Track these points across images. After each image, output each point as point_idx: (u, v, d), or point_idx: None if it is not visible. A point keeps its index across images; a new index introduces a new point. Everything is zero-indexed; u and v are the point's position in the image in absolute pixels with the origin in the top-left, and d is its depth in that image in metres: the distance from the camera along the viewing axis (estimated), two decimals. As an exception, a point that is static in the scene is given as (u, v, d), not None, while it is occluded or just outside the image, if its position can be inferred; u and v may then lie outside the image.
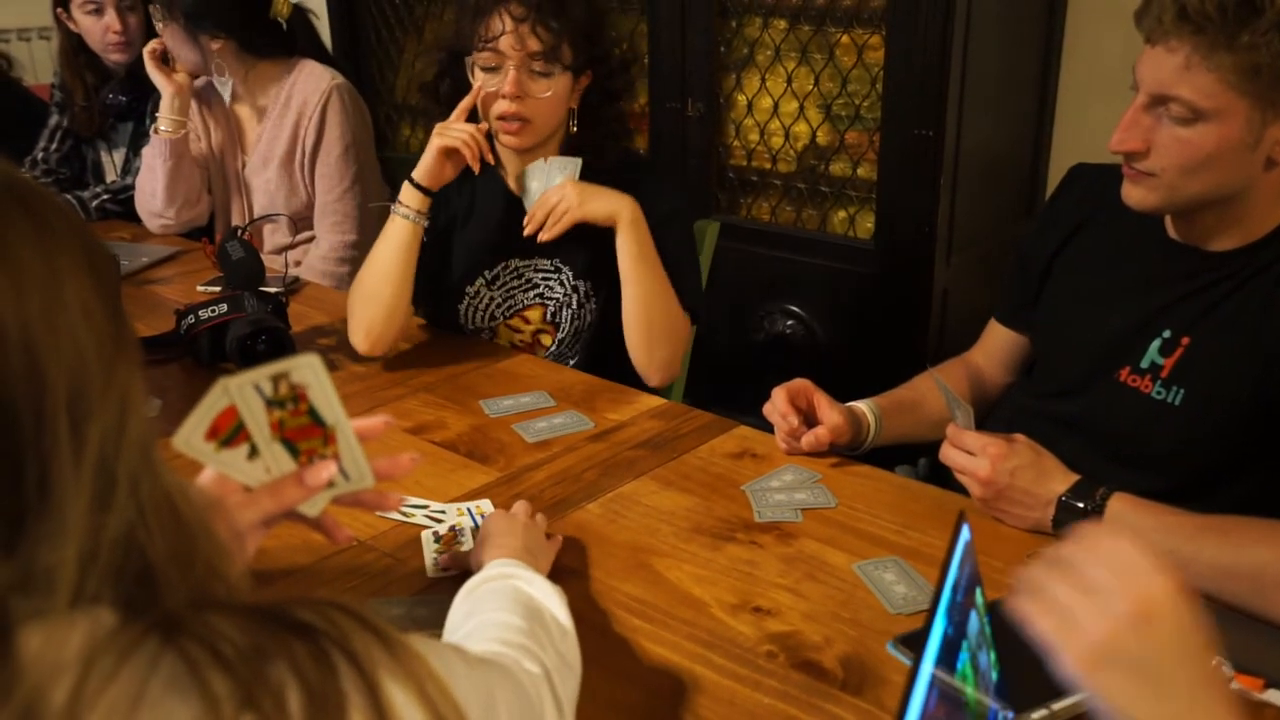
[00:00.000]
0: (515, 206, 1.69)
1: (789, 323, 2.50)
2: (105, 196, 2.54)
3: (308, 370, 0.67)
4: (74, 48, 2.51)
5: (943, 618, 0.78)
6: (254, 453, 0.69)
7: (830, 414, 1.41)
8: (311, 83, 2.22)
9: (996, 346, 1.60)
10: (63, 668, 0.49)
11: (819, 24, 2.30)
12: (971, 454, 1.26)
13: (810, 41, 2.32)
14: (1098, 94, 2.47)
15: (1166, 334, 1.30)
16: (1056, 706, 0.97)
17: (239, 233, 1.79)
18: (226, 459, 0.69)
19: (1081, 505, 1.19)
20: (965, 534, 0.88)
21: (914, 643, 1.06)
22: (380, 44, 3.17)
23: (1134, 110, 1.18)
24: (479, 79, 1.64)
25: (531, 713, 0.74)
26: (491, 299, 1.80)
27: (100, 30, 2.42)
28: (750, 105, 2.44)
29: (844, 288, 2.39)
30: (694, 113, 2.49)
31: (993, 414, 1.60)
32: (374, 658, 0.54)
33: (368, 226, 2.23)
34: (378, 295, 1.68)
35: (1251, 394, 1.23)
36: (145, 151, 2.32)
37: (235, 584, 0.58)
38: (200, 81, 2.31)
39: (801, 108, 2.37)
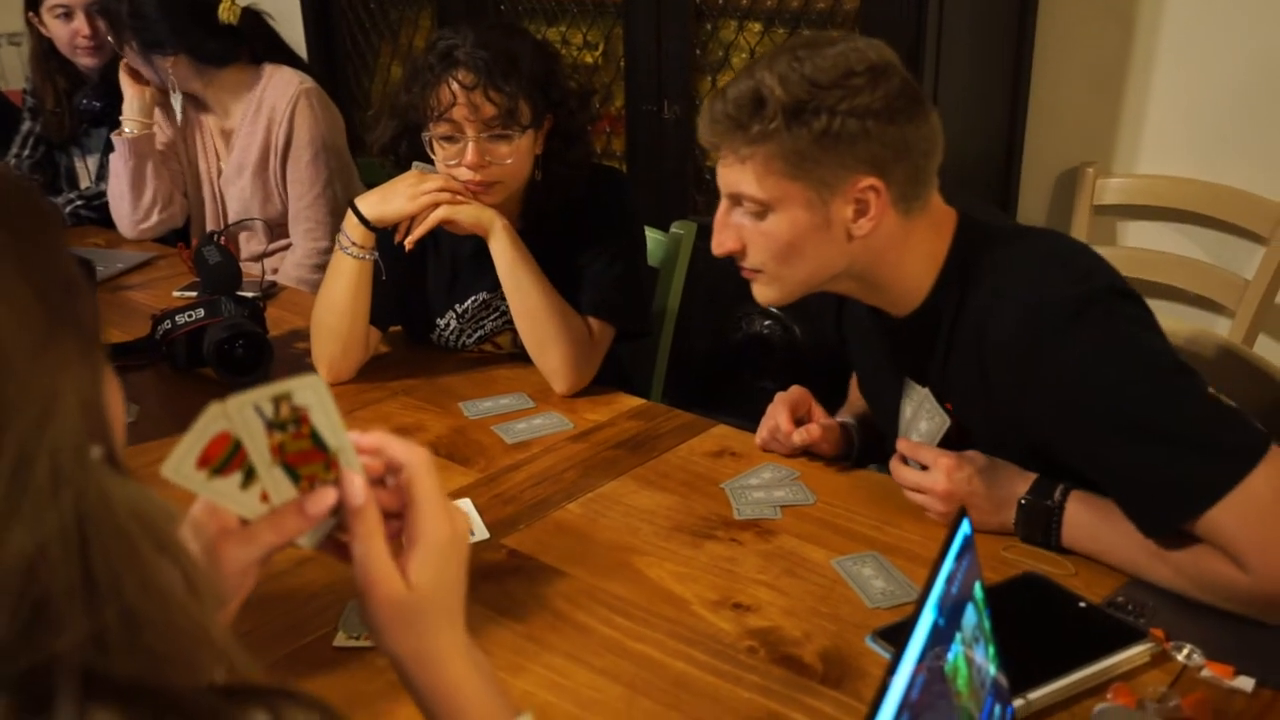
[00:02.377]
0: (484, 242, 1.65)
1: (766, 322, 2.51)
2: (79, 203, 2.53)
3: (310, 391, 0.64)
4: (45, 52, 2.50)
5: (934, 608, 0.79)
6: (249, 480, 0.65)
7: (825, 417, 1.45)
8: (280, 88, 2.20)
9: None
10: None
11: (793, 26, 2.32)
12: (924, 468, 1.27)
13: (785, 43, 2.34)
14: (1070, 95, 2.50)
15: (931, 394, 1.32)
16: (1055, 686, 0.98)
17: (215, 237, 1.78)
18: (220, 488, 0.65)
19: (1043, 502, 1.20)
20: (965, 528, 0.89)
21: (893, 636, 1.08)
22: (355, 48, 3.17)
23: (721, 213, 1.23)
24: (438, 152, 1.59)
25: None
26: (461, 329, 1.79)
27: (69, 34, 2.41)
28: (725, 107, 2.45)
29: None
30: (670, 115, 2.50)
31: None
32: None
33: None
34: (333, 330, 1.67)
35: (1030, 447, 1.23)
36: (110, 156, 2.31)
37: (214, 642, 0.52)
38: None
39: (776, 110, 2.38)
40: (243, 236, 2.33)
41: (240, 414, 0.63)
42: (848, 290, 1.28)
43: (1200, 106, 2.38)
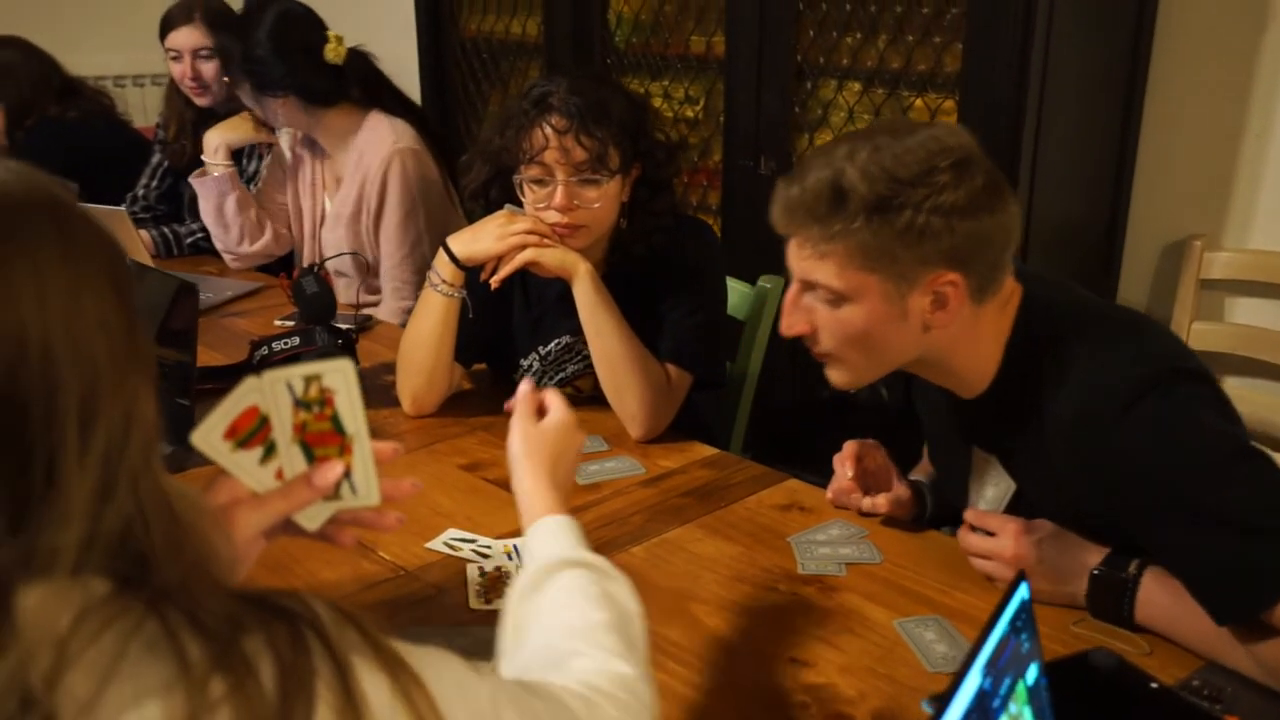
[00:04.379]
0: (567, 286, 1.67)
1: (853, 382, 2.48)
2: (200, 234, 2.65)
3: (339, 375, 0.68)
4: (173, 86, 2.66)
5: (980, 670, 0.77)
6: (268, 455, 0.70)
7: (898, 486, 1.42)
8: (376, 146, 2.28)
9: None
10: (53, 628, 0.53)
11: (893, 87, 2.32)
12: (992, 534, 1.24)
13: (884, 104, 2.34)
14: (1179, 165, 2.44)
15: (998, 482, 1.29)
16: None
17: (315, 269, 1.85)
18: (240, 460, 0.70)
19: (1118, 575, 1.16)
20: (1023, 591, 0.86)
21: (946, 699, 1.05)
22: (466, 96, 3.27)
23: (792, 294, 1.21)
24: (527, 194, 1.63)
25: None
26: (544, 371, 1.82)
27: (179, 74, 2.58)
28: (822, 165, 2.46)
29: (910, 349, 2.37)
30: (767, 171, 2.52)
31: None
32: (349, 642, 0.58)
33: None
34: (419, 364, 1.71)
35: (1093, 519, 1.20)
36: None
37: (223, 580, 0.62)
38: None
39: (873, 169, 2.38)
40: (341, 283, 2.41)
41: (273, 388, 0.67)
42: (918, 372, 1.28)
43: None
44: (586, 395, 1.82)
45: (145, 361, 0.61)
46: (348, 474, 0.72)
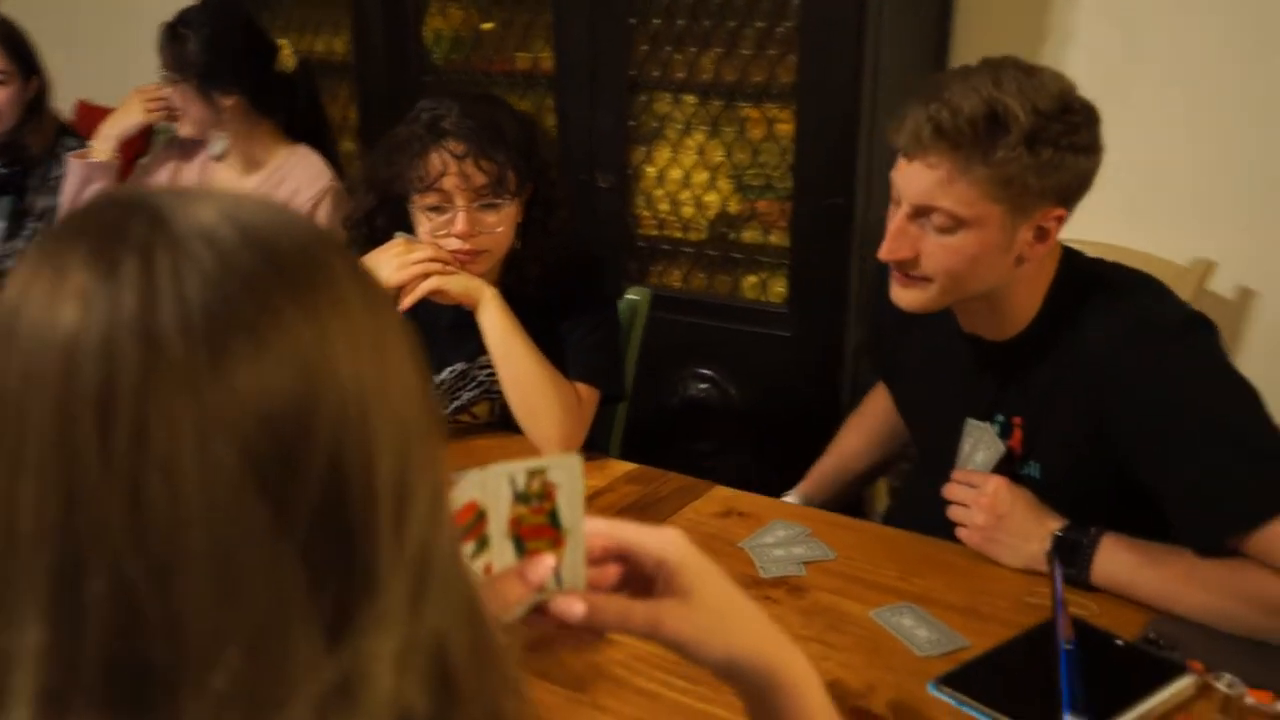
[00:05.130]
0: (461, 312, 1.64)
1: (703, 385, 2.55)
2: (7, 260, 2.41)
3: (564, 470, 0.64)
4: None
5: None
6: (480, 550, 0.65)
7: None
8: (309, 171, 2.21)
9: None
10: None
11: (729, 99, 2.40)
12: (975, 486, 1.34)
13: (721, 115, 2.41)
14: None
15: (1000, 418, 1.39)
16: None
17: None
18: None
19: (1077, 540, 1.27)
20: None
21: (955, 682, 1.11)
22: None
23: (900, 220, 1.26)
24: (423, 223, 1.59)
25: None
26: (439, 400, 1.77)
27: None
28: (661, 176, 2.51)
29: (757, 350, 2.46)
30: (604, 184, 2.54)
31: (896, 510, 1.69)
32: None
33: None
34: None
35: (1096, 464, 1.32)
36: (65, 179, 2.33)
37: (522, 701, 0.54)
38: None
39: (713, 178, 2.45)
40: None
41: (495, 482, 0.63)
42: (973, 309, 1.34)
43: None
44: (483, 422, 1.79)
45: (441, 431, 0.53)
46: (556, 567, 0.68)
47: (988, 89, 1.18)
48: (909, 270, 1.29)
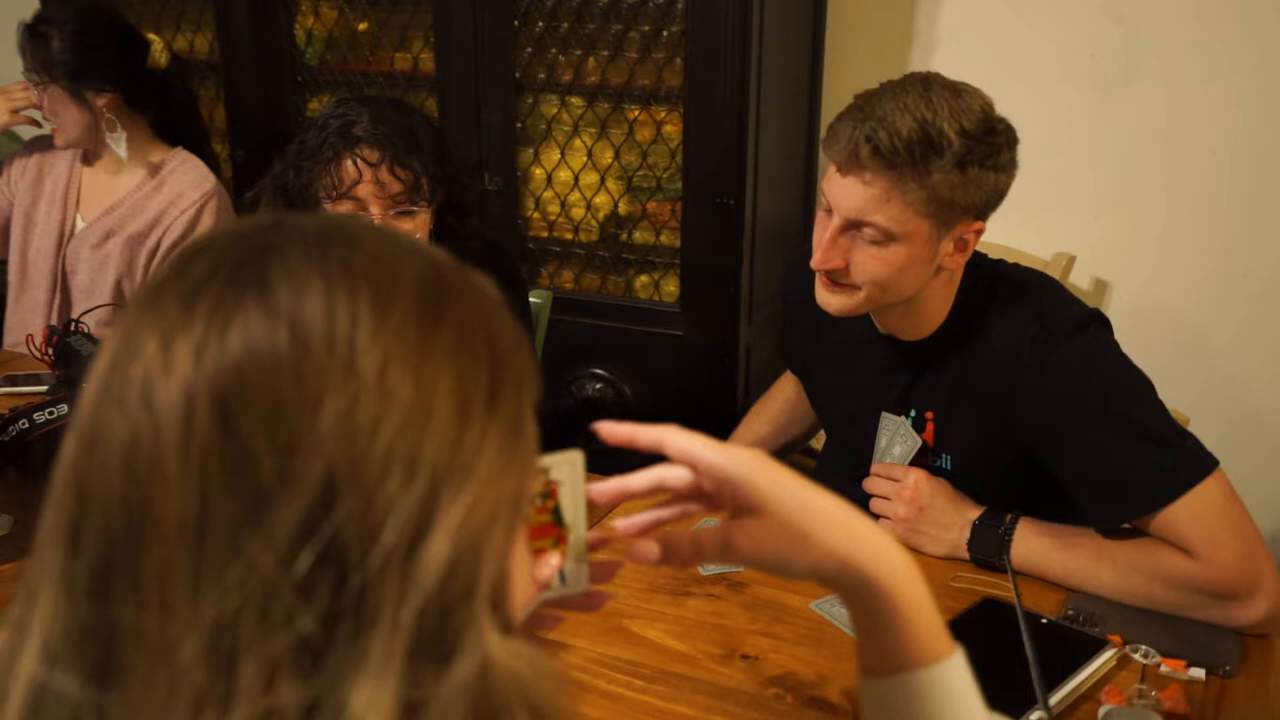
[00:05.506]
0: None
1: (598, 386, 2.57)
2: None
3: (568, 467, 0.64)
4: None
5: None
6: None
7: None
8: (188, 175, 2.11)
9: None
10: None
11: (616, 101, 2.42)
12: (896, 480, 1.40)
13: (609, 118, 2.43)
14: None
15: (914, 413, 1.47)
16: (1054, 700, 1.09)
17: (75, 325, 1.63)
18: None
19: (995, 527, 1.35)
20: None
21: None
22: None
23: (832, 232, 1.32)
24: None
25: None
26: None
27: None
28: (550, 178, 2.51)
29: (651, 349, 2.49)
30: (492, 186, 2.53)
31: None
32: None
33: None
34: None
35: (1004, 453, 1.41)
36: None
37: None
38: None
39: (602, 180, 2.47)
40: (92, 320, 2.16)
41: None
42: (890, 311, 1.40)
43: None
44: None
45: (521, 483, 0.54)
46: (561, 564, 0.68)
47: (921, 110, 1.24)
48: (838, 279, 1.34)
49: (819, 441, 2.10)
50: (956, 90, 1.28)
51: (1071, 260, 2.48)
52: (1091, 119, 2.48)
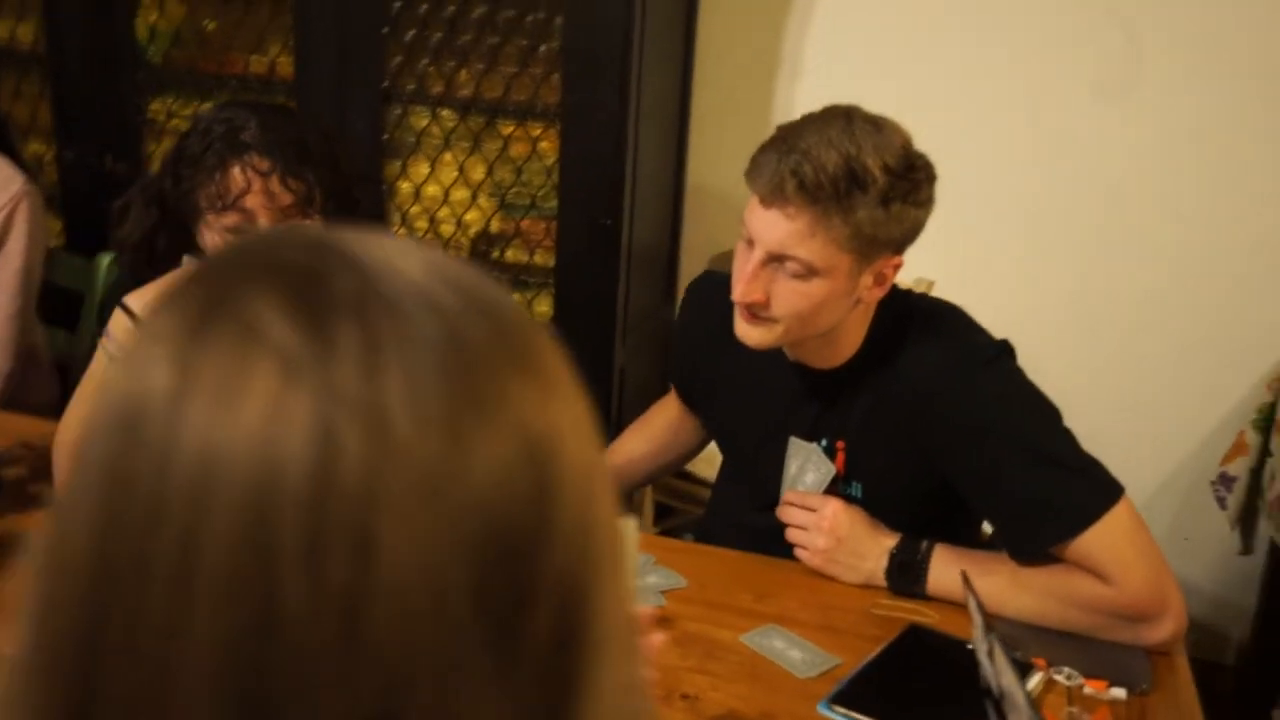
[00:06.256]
0: None
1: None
2: None
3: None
4: None
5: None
6: None
7: None
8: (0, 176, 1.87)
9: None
10: None
11: (491, 116, 2.35)
12: (812, 510, 1.39)
13: (482, 132, 2.36)
14: (716, 195, 2.76)
15: (824, 441, 1.48)
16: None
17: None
18: None
19: (911, 555, 1.36)
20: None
21: (846, 700, 1.16)
22: None
23: (755, 265, 1.31)
24: (218, 244, 1.44)
25: None
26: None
27: None
28: (418, 192, 2.42)
29: (522, 371, 2.43)
30: (361, 198, 2.41)
31: (707, 529, 1.71)
32: None
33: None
34: None
35: (918, 481, 1.43)
36: None
37: None
38: None
39: (474, 196, 2.40)
40: None
41: None
42: (808, 344, 1.39)
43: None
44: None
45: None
46: None
47: (845, 144, 1.25)
48: (758, 311, 1.33)
49: (700, 467, 2.10)
50: (878, 125, 1.30)
51: (930, 285, 2.56)
52: (950, 144, 2.57)
